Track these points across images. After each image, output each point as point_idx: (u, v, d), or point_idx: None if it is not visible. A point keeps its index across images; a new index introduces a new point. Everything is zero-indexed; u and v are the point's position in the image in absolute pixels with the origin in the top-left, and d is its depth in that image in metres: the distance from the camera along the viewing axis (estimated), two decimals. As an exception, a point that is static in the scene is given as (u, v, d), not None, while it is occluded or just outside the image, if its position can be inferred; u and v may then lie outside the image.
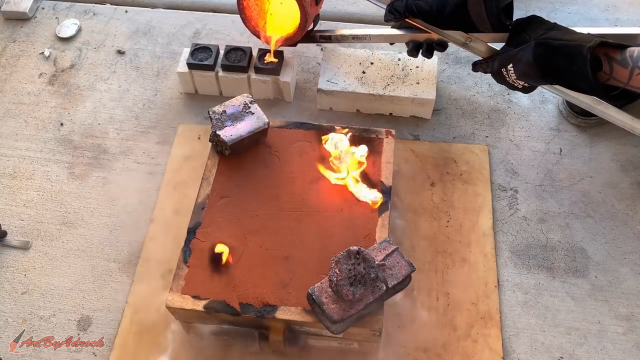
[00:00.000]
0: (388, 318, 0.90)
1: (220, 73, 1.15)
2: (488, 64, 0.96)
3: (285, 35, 1.10)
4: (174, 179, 1.08)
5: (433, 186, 1.06)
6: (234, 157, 0.95)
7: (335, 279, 0.74)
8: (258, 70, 1.14)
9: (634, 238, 1.00)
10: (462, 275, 0.96)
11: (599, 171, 1.08)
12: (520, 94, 1.18)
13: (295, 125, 0.99)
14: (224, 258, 0.84)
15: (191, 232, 0.87)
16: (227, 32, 1.30)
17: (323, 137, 0.96)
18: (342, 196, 0.91)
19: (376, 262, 0.77)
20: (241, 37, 1.28)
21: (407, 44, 1.05)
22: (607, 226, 1.02)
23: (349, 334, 0.82)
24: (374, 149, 0.95)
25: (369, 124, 1.14)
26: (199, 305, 0.81)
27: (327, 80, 1.14)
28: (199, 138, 1.13)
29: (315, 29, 1.14)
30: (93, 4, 1.37)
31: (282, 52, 1.14)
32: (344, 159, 0.93)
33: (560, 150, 1.11)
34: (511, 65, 0.90)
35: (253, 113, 0.95)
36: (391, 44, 1.13)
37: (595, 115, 1.02)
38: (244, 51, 1.15)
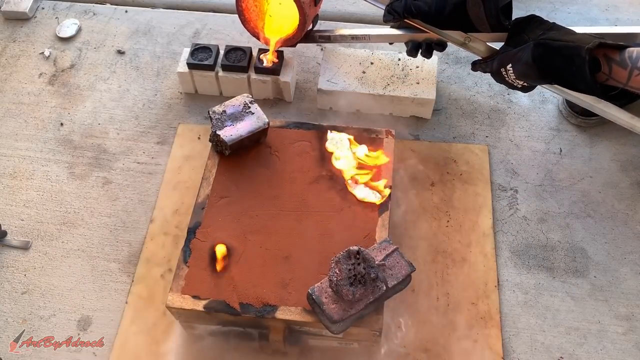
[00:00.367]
0: (388, 318, 0.90)
1: (220, 73, 1.15)
2: (487, 64, 0.96)
3: (284, 36, 1.10)
4: (174, 179, 1.08)
5: (433, 186, 1.06)
6: (234, 157, 0.95)
7: (335, 279, 0.74)
8: (258, 70, 1.14)
9: (634, 238, 1.00)
10: (462, 275, 0.96)
11: (599, 171, 1.08)
12: (520, 93, 1.18)
13: (295, 125, 0.99)
14: (219, 256, 0.84)
15: (191, 232, 0.87)
16: (227, 32, 1.30)
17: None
18: (342, 196, 0.91)
19: (376, 262, 0.77)
20: (241, 37, 1.28)
21: (406, 43, 1.05)
22: (607, 226, 1.02)
23: (349, 334, 0.82)
24: (374, 149, 0.95)
25: (369, 124, 1.14)
26: (199, 305, 0.81)
27: (327, 80, 1.14)
28: (199, 138, 1.13)
29: (314, 29, 1.14)
30: (93, 4, 1.37)
31: (282, 52, 1.14)
32: (344, 159, 0.94)
33: (560, 150, 1.11)
34: (510, 65, 0.90)
35: (253, 113, 0.95)
36: (390, 43, 1.12)
37: (595, 116, 1.02)
38: (244, 51, 1.15)
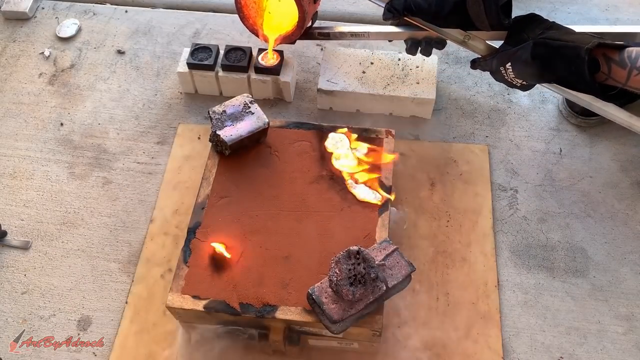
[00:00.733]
0: (388, 318, 0.90)
1: (220, 73, 1.15)
2: (487, 62, 0.96)
3: (283, 33, 1.10)
4: (174, 179, 1.08)
5: (433, 186, 1.06)
6: (234, 157, 0.95)
7: (335, 279, 0.74)
8: (258, 70, 1.14)
9: (634, 238, 1.00)
10: (462, 275, 0.96)
11: (599, 171, 1.08)
12: (520, 93, 1.19)
13: (295, 125, 0.99)
14: (219, 251, 0.84)
15: (191, 232, 0.87)
16: (227, 32, 1.30)
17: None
18: (342, 196, 0.91)
19: (376, 262, 0.77)
20: (241, 37, 1.28)
21: (405, 42, 1.05)
22: (607, 226, 1.02)
23: (349, 334, 0.82)
24: (374, 149, 0.95)
25: (369, 124, 1.14)
26: (199, 305, 0.81)
27: (327, 80, 1.14)
28: (199, 138, 1.13)
29: (313, 26, 1.13)
30: (93, 4, 1.37)
31: (282, 52, 1.14)
32: (344, 159, 0.94)
33: (560, 150, 1.11)
34: (509, 64, 0.90)
35: (253, 113, 0.95)
36: (390, 41, 1.12)
37: (596, 115, 1.02)
38: (244, 51, 1.15)
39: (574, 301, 0.95)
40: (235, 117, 0.94)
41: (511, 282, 0.97)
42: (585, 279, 0.97)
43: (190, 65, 1.15)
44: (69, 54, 1.28)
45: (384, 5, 1.02)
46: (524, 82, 0.92)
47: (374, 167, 0.94)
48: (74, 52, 1.29)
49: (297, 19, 1.06)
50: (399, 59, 1.16)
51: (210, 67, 1.15)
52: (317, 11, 1.11)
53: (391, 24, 1.05)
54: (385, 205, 0.89)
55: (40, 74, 1.25)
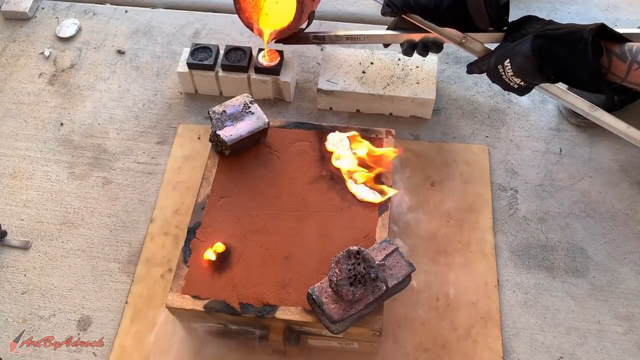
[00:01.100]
0: (388, 318, 0.90)
1: (220, 73, 1.15)
2: (484, 62, 0.94)
3: (278, 28, 1.07)
4: (174, 179, 1.08)
5: (433, 186, 1.06)
6: (234, 157, 0.95)
7: (335, 279, 0.74)
8: (258, 70, 1.14)
9: (634, 238, 1.00)
10: (462, 275, 0.96)
11: (599, 171, 1.08)
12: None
13: (295, 125, 0.99)
14: (217, 251, 0.84)
15: (191, 232, 0.87)
16: (227, 32, 1.30)
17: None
18: (342, 196, 0.91)
19: (376, 262, 0.77)
20: (241, 37, 1.28)
21: (401, 44, 1.05)
22: (607, 226, 1.02)
23: (349, 334, 0.82)
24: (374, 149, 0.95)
25: (369, 124, 1.14)
26: (199, 305, 0.81)
27: (327, 80, 1.14)
28: (199, 138, 1.13)
29: (309, 29, 1.12)
30: (93, 4, 1.37)
31: (282, 52, 1.14)
32: (344, 159, 0.94)
33: (560, 150, 1.11)
34: (508, 60, 0.88)
35: (253, 113, 0.95)
36: (385, 46, 1.11)
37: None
38: (244, 51, 1.15)
39: (574, 301, 0.95)
40: (235, 117, 0.94)
41: (511, 282, 0.97)
42: (585, 279, 0.97)
43: (190, 65, 1.15)
44: (69, 54, 1.28)
45: (382, 1, 1.01)
46: (522, 82, 0.89)
47: (374, 167, 0.94)
48: (74, 52, 1.29)
49: (294, 13, 1.04)
50: (399, 59, 1.16)
51: (210, 67, 1.15)
52: (314, 11, 1.10)
53: (388, 27, 1.04)
54: (385, 205, 0.89)
55: (40, 74, 1.25)
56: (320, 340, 0.86)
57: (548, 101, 1.18)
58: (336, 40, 1.10)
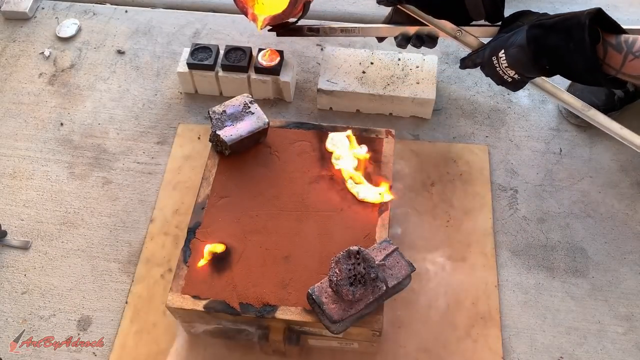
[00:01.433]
0: (388, 318, 0.90)
1: (220, 73, 1.15)
2: (478, 54, 0.93)
3: (272, 13, 1.05)
4: (174, 179, 1.08)
5: (433, 186, 1.06)
6: (234, 157, 0.95)
7: (335, 279, 0.74)
8: (258, 70, 1.14)
9: (634, 238, 1.00)
10: (462, 275, 0.96)
11: (599, 171, 1.08)
12: (520, 93, 1.18)
13: (295, 125, 0.99)
14: (215, 251, 0.85)
15: (191, 232, 0.87)
16: (227, 32, 1.30)
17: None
18: (342, 196, 0.91)
19: (376, 262, 0.77)
20: (241, 37, 1.28)
21: (395, 37, 1.04)
22: (607, 226, 1.02)
23: (349, 334, 0.82)
24: (374, 149, 0.95)
25: (369, 124, 1.14)
26: (199, 305, 0.81)
27: (327, 80, 1.14)
28: (199, 138, 1.13)
29: (303, 22, 1.10)
30: (93, 4, 1.37)
31: (282, 52, 1.14)
32: (344, 159, 0.94)
33: (560, 150, 1.11)
34: (503, 51, 0.87)
35: (253, 113, 0.95)
36: (380, 41, 1.11)
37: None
38: (244, 51, 1.15)
39: (574, 301, 0.95)
40: (235, 117, 0.94)
41: (511, 282, 0.97)
42: (585, 279, 0.97)
43: (190, 65, 1.15)
44: (69, 54, 1.28)
45: None
46: (516, 75, 0.88)
47: (374, 167, 0.94)
48: (74, 52, 1.29)
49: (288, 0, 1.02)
50: (399, 59, 1.16)
51: (210, 67, 1.15)
52: (309, 2, 1.08)
53: (383, 21, 1.04)
54: (385, 205, 0.89)
55: (40, 74, 1.25)
56: (320, 340, 0.86)
57: (548, 101, 1.18)
58: (330, 32, 1.10)
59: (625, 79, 0.81)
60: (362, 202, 0.90)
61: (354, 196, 0.90)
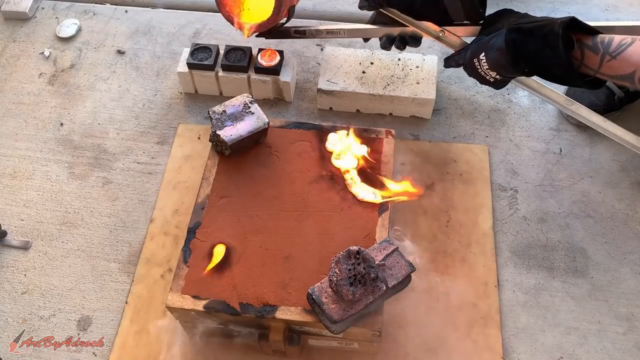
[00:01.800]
0: (388, 318, 0.90)
1: (220, 73, 1.15)
2: (460, 55, 0.94)
3: (258, 21, 1.06)
4: (174, 179, 1.08)
5: (433, 186, 1.06)
6: (234, 157, 0.95)
7: (335, 279, 0.74)
8: (258, 70, 1.14)
9: (634, 238, 1.00)
10: (462, 275, 0.96)
11: (599, 171, 1.08)
12: (520, 93, 1.18)
13: (295, 125, 0.99)
14: (217, 256, 0.85)
15: (191, 232, 0.87)
16: (227, 32, 1.30)
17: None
18: (342, 196, 0.91)
19: (376, 262, 0.77)
20: (241, 37, 1.27)
21: (380, 37, 1.05)
22: (607, 226, 1.02)
23: (349, 334, 0.82)
24: (374, 149, 0.95)
25: (369, 124, 1.14)
26: (199, 305, 0.81)
27: (327, 80, 1.14)
28: (199, 138, 1.13)
29: (290, 24, 1.11)
30: (93, 4, 1.37)
31: (282, 52, 1.14)
32: (344, 159, 0.94)
33: (560, 150, 1.11)
34: (483, 54, 0.88)
35: (253, 113, 0.95)
36: (365, 41, 1.12)
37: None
38: (244, 51, 1.15)
39: (574, 301, 0.95)
40: (235, 117, 0.94)
41: (511, 282, 0.97)
42: (585, 279, 0.97)
43: (190, 65, 1.15)
44: (69, 54, 1.28)
45: None
46: (498, 76, 0.88)
47: (374, 167, 0.94)
48: (74, 52, 1.29)
49: (272, 8, 1.03)
50: (399, 59, 1.16)
51: (210, 67, 1.15)
52: (294, 6, 1.09)
53: (368, 21, 1.05)
54: (385, 205, 0.89)
55: (40, 74, 1.25)
56: (320, 340, 0.86)
57: (548, 101, 1.18)
58: (317, 34, 1.10)
59: (605, 78, 0.82)
60: (362, 202, 0.90)
61: (354, 196, 0.90)
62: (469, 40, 0.95)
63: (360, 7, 1.02)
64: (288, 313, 0.80)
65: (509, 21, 0.88)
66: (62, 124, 1.17)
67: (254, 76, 1.15)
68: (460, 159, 1.09)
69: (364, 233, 0.87)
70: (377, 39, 1.06)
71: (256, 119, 0.94)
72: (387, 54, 1.17)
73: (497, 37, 0.86)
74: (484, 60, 0.88)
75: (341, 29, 1.08)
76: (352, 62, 1.16)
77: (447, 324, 0.92)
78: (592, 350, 0.90)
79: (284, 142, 0.97)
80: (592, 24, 0.83)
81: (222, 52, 1.16)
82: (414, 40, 1.02)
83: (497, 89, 0.93)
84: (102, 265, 1.00)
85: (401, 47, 1.04)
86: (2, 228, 1.02)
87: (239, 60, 1.14)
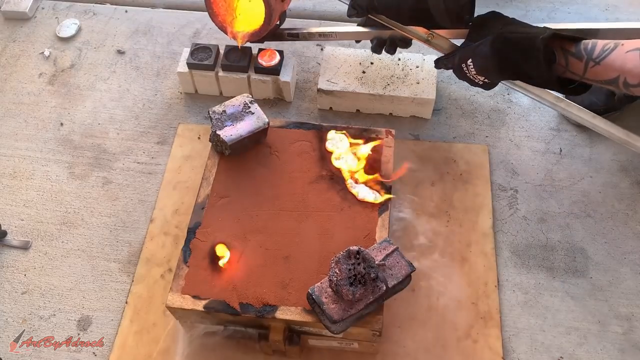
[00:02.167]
0: (388, 318, 0.90)
1: (220, 73, 1.15)
2: (449, 59, 0.96)
3: (250, 30, 1.08)
4: (174, 179, 1.08)
5: (433, 186, 1.06)
6: (234, 157, 0.95)
7: (335, 279, 0.74)
8: (258, 70, 1.14)
9: (634, 238, 1.00)
10: (462, 275, 0.96)
11: (599, 171, 1.08)
12: (520, 93, 1.18)
13: (295, 125, 0.99)
14: (220, 255, 0.85)
15: (191, 232, 0.87)
16: (227, 32, 1.30)
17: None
18: (342, 196, 0.91)
19: (376, 262, 0.77)
20: (241, 37, 1.28)
21: (371, 41, 1.06)
22: (607, 226, 1.02)
23: (349, 334, 0.82)
24: (374, 149, 0.95)
25: (369, 124, 1.14)
26: (199, 305, 0.81)
27: (327, 80, 1.14)
28: (199, 138, 1.13)
29: (283, 26, 1.11)
30: (93, 4, 1.37)
31: (282, 51, 1.14)
32: (344, 159, 0.94)
33: (560, 150, 1.11)
34: (470, 60, 0.90)
35: (253, 113, 0.95)
36: (357, 42, 1.13)
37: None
38: (244, 51, 1.15)
39: (574, 301, 0.95)
40: (235, 117, 0.94)
41: (511, 282, 0.97)
42: (585, 279, 0.97)
43: (190, 65, 1.15)
44: (69, 54, 1.28)
45: (348, 3, 1.02)
46: (486, 80, 0.91)
47: (374, 167, 0.94)
48: (74, 52, 1.29)
49: (263, 17, 1.04)
50: (399, 59, 1.16)
51: (210, 67, 1.15)
52: (285, 11, 1.10)
53: (358, 24, 1.06)
54: (385, 205, 0.89)
55: (40, 74, 1.25)
56: (320, 340, 0.86)
57: (548, 101, 1.18)
58: (309, 37, 1.11)
59: (591, 83, 0.83)
60: (362, 202, 0.90)
61: (354, 196, 0.90)
62: (458, 42, 0.97)
63: (349, 16, 1.03)
64: (288, 313, 0.80)
65: (495, 27, 0.89)
66: (62, 124, 1.17)
67: (254, 76, 1.15)
68: (460, 159, 1.09)
69: (364, 233, 0.87)
70: (369, 41, 1.07)
71: (256, 119, 0.94)
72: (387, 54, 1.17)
73: (483, 44, 0.87)
74: (472, 66, 0.90)
75: (333, 32, 1.09)
76: (352, 62, 1.16)
77: (447, 324, 0.92)
78: (592, 350, 0.90)
79: (284, 142, 0.97)
80: (592, 24, 0.84)
81: (222, 52, 1.16)
82: (404, 43, 1.04)
83: (487, 90, 0.96)
84: (102, 265, 1.00)
85: (391, 52, 1.06)
86: (2, 228, 1.02)
87: (238, 60, 1.14)
